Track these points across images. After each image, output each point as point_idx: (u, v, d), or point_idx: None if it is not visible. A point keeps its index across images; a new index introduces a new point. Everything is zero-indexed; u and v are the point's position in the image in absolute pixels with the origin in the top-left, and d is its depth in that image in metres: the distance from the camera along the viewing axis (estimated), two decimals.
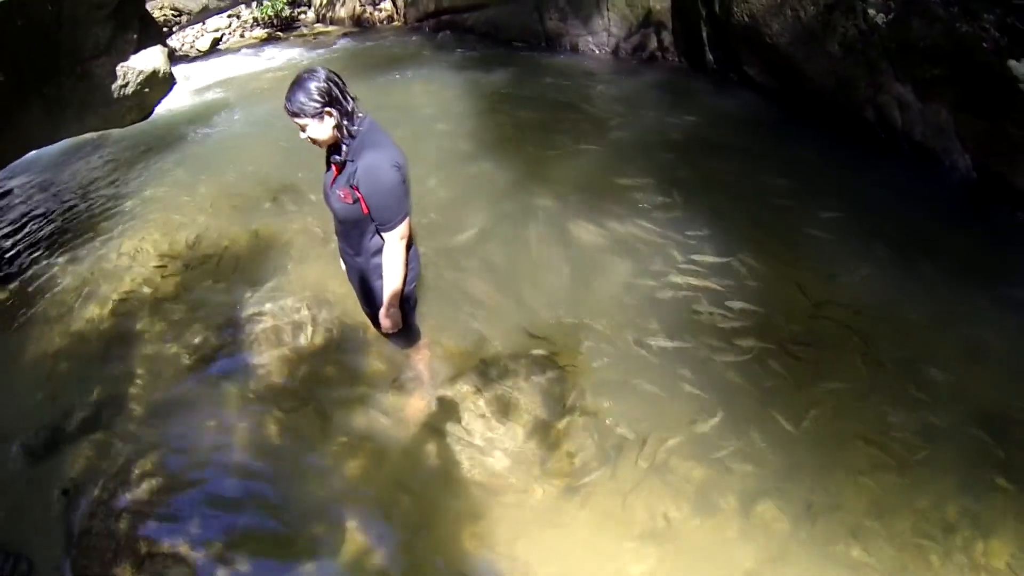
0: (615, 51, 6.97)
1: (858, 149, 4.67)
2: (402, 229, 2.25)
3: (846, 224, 3.83)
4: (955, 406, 2.70)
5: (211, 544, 2.36)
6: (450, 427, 2.81)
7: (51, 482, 2.71)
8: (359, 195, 2.18)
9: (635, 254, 3.75)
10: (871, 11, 4.44)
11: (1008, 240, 3.66)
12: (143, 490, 2.55)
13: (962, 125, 4.18)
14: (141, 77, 4.79)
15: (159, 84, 5.02)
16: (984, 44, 3.80)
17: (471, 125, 5.43)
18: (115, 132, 5.83)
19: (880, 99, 4.65)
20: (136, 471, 2.63)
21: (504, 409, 2.88)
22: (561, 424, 2.80)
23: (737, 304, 3.30)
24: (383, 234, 2.25)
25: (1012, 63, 3.69)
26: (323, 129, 2.13)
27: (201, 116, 6.36)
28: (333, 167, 2.28)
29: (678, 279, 3.51)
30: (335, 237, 2.55)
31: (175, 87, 5.42)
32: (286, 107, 2.11)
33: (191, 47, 9.06)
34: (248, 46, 9.06)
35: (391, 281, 2.32)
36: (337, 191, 2.25)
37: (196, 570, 2.30)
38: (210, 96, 7.01)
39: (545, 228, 4.04)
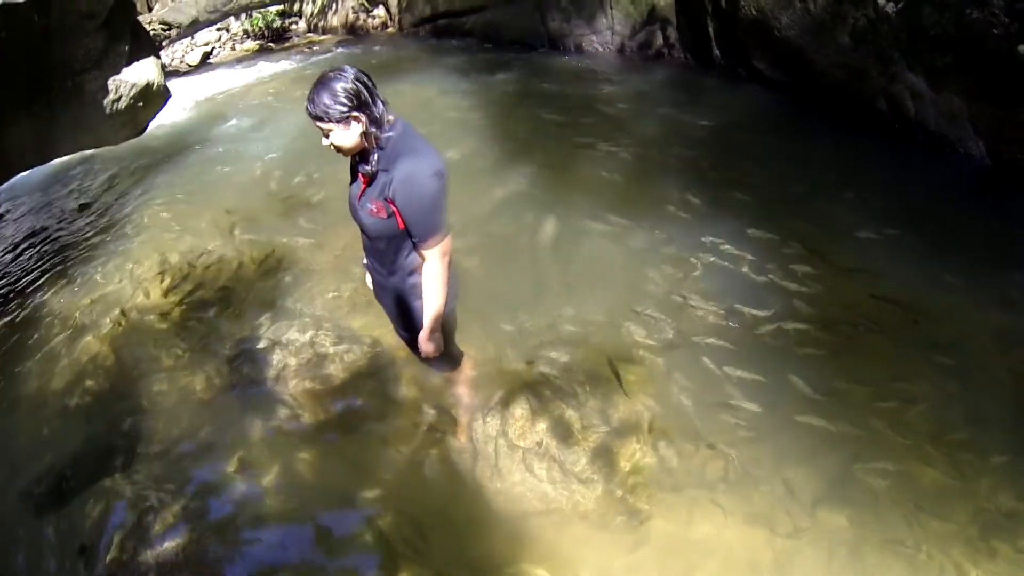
0: (620, 50, 6.73)
1: (872, 140, 4.54)
2: (444, 245, 1.96)
3: (867, 214, 3.71)
4: (993, 390, 2.60)
5: None
6: (504, 458, 2.51)
7: (59, 537, 2.35)
8: (394, 208, 1.89)
9: (670, 256, 3.51)
10: (881, 0, 4.24)
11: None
12: (168, 546, 2.20)
13: (975, 113, 4.05)
14: (135, 91, 4.41)
15: (153, 98, 4.64)
16: (994, 31, 3.67)
17: (482, 130, 5.14)
18: (108, 151, 5.42)
19: (892, 89, 4.51)
20: (157, 524, 2.28)
21: (562, 433, 2.57)
22: (623, 444, 2.52)
23: (770, 297, 3.17)
24: (422, 250, 1.96)
25: (1022, 49, 3.55)
26: (349, 136, 1.84)
27: (197, 131, 5.98)
28: (360, 178, 1.98)
29: (713, 279, 3.32)
30: (361, 253, 2.24)
31: (169, 101, 5.03)
32: (308, 109, 1.82)
33: (181, 62, 8.64)
34: (240, 59, 8.66)
35: (433, 303, 2.02)
36: (368, 205, 1.95)
37: None
38: (205, 111, 6.62)
39: (577, 234, 3.75)
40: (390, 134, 1.87)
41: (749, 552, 2.13)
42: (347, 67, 1.83)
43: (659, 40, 6.41)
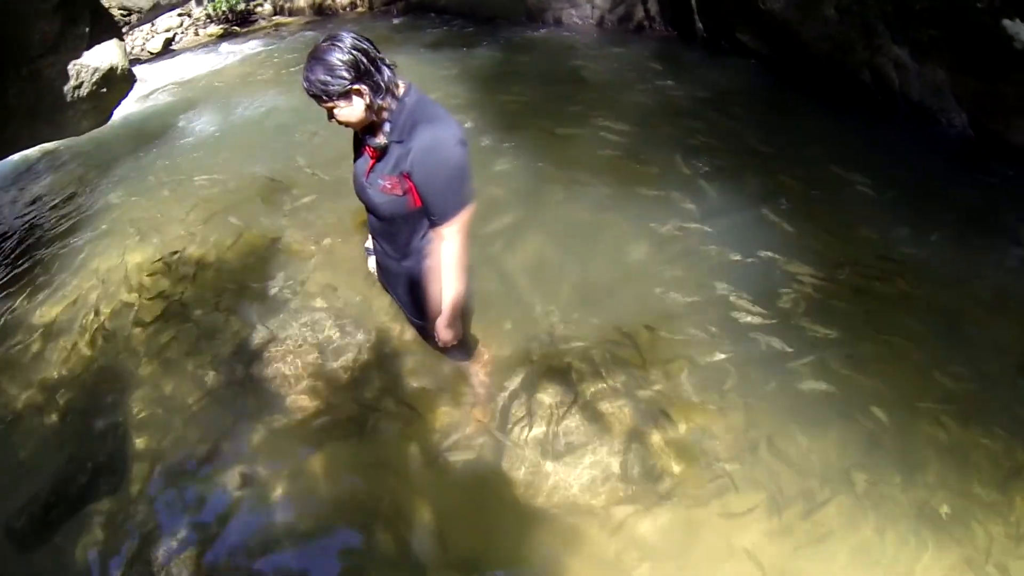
0: (600, 23, 6.42)
1: (857, 111, 4.42)
2: (464, 220, 1.73)
3: (855, 185, 3.63)
4: (993, 356, 2.53)
5: None
6: (531, 447, 2.31)
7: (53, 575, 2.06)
8: (410, 184, 1.66)
9: (671, 232, 3.33)
10: None
11: (1007, 195, 3.49)
12: None
13: (958, 85, 3.95)
14: (97, 76, 3.98)
15: (118, 83, 4.20)
16: (978, 4, 3.54)
17: (470, 107, 4.80)
18: (71, 143, 4.97)
19: (877, 61, 4.40)
20: (161, 551, 2.02)
21: (593, 420, 2.38)
22: (653, 424, 2.35)
23: (774, 269, 3.04)
24: (442, 228, 1.72)
25: (1006, 23, 3.44)
26: (354, 111, 1.61)
27: (165, 119, 5.53)
28: (368, 152, 1.74)
29: (718, 253, 3.17)
30: (362, 236, 1.98)
31: (135, 86, 4.58)
32: (305, 88, 1.58)
33: (142, 49, 8.02)
34: (203, 44, 8.07)
35: (452, 285, 1.78)
36: (379, 181, 1.71)
37: None
38: (171, 98, 6.14)
39: (578, 214, 3.51)
40: (404, 102, 1.65)
41: (785, 519, 2.04)
42: (343, 34, 1.58)
43: (640, 13, 6.13)
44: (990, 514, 2.01)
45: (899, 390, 2.41)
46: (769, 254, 3.12)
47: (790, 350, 2.60)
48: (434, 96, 5.16)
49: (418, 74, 5.58)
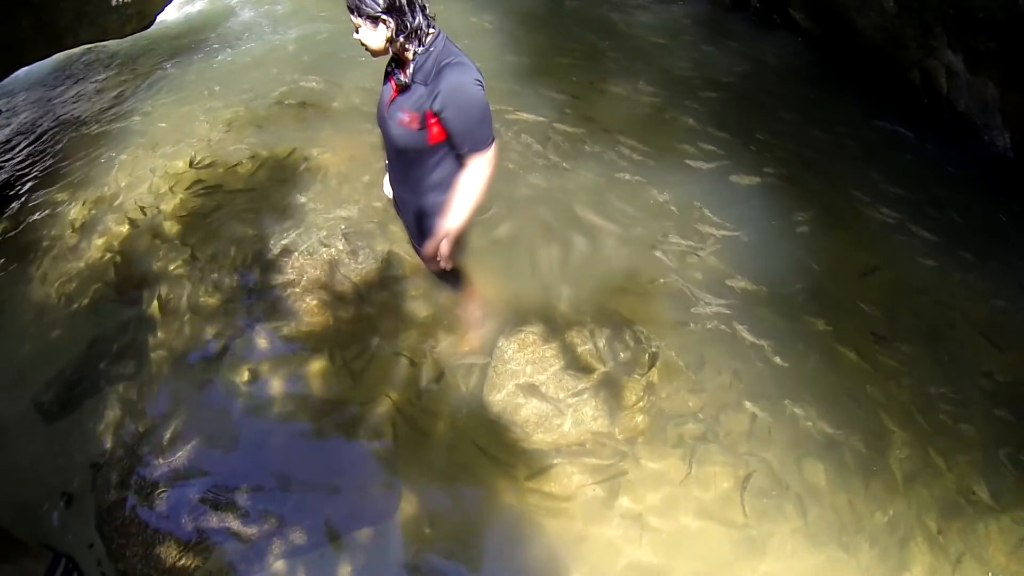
0: None
1: (898, 111, 4.36)
2: (493, 150, 1.89)
3: (883, 189, 3.62)
4: (975, 382, 2.61)
5: (265, 517, 2.08)
6: (512, 377, 2.51)
7: (73, 445, 2.35)
8: (433, 121, 1.80)
9: (679, 203, 3.42)
10: None
11: None
12: (179, 455, 2.21)
13: (1007, 103, 3.89)
14: None
15: None
16: None
17: (501, 52, 4.80)
18: (112, 44, 5.09)
19: (929, 64, 4.30)
20: (167, 431, 2.28)
21: (574, 359, 2.56)
22: (628, 377, 2.54)
23: (772, 256, 3.14)
24: (471, 158, 1.87)
25: None
26: (375, 38, 1.74)
27: (207, 27, 5.56)
28: (391, 83, 1.87)
29: (721, 232, 3.26)
30: (380, 159, 2.14)
31: None
32: None
33: None
34: None
35: (464, 206, 1.92)
36: (398, 113, 1.85)
37: (252, 546, 2.00)
38: (214, 7, 6.14)
39: (595, 170, 3.60)
40: (431, 49, 1.77)
41: (761, 477, 2.24)
42: None
43: None
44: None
45: (875, 392, 2.56)
46: (780, 228, 3.23)
47: (775, 330, 2.76)
48: (470, 40, 5.08)
49: (457, 12, 5.52)
